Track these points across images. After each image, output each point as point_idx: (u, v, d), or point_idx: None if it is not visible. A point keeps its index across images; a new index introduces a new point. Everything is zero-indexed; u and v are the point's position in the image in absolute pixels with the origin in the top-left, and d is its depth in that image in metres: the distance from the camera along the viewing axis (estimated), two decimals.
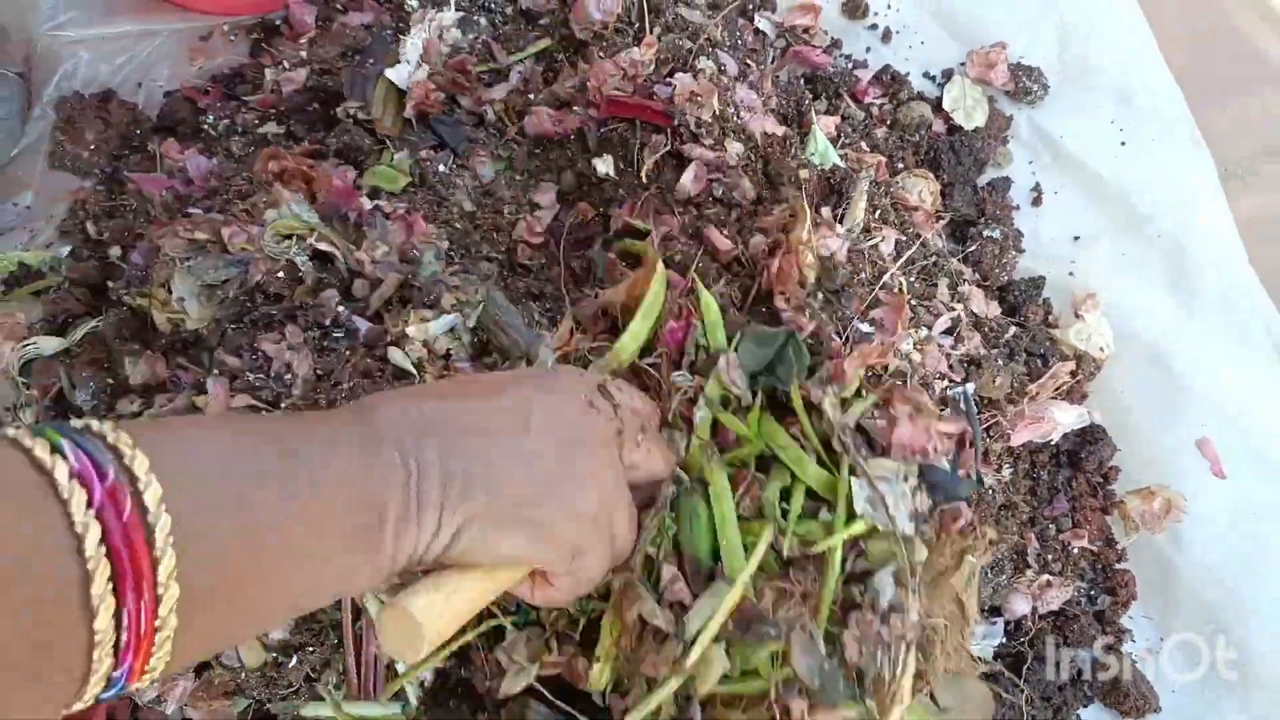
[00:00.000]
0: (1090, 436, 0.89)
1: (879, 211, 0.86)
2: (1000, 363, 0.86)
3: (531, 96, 0.93)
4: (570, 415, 0.52)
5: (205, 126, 0.99)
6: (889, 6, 1.09)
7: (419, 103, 0.91)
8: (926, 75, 1.07)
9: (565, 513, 0.49)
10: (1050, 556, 0.85)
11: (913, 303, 0.82)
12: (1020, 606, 0.81)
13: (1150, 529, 0.85)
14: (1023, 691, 0.80)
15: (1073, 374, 0.89)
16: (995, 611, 0.82)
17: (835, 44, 1.08)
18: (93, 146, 1.01)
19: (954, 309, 0.84)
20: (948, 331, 0.83)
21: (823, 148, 0.89)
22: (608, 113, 0.86)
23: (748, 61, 0.98)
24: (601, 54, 0.90)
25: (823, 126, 0.92)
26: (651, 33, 0.93)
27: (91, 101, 1.03)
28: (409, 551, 0.44)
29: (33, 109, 1.04)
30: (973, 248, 0.94)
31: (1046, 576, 0.83)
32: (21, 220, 0.98)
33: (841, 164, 0.86)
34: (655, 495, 0.58)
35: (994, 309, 0.91)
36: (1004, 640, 0.81)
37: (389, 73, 0.92)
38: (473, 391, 0.52)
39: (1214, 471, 0.86)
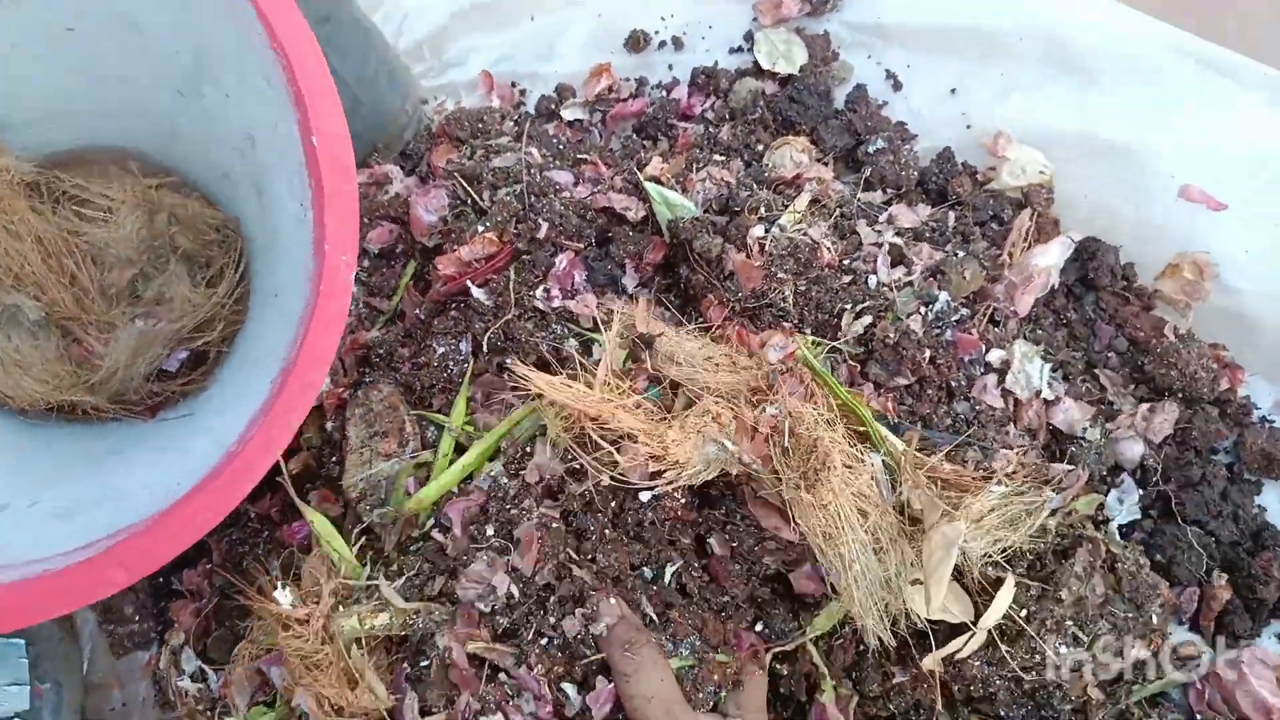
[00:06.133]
0: (1087, 253, 0.86)
1: (763, 207, 0.84)
2: (959, 254, 0.83)
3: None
4: None
5: None
6: (663, 20, 1.09)
7: None
8: (732, 50, 1.06)
9: None
10: (1132, 386, 0.81)
11: (845, 263, 0.80)
12: (1134, 450, 0.77)
13: (1198, 298, 0.81)
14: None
15: (1031, 216, 0.86)
16: (1115, 470, 0.78)
17: (641, 83, 1.08)
18: None
19: (881, 243, 0.81)
20: (894, 266, 0.81)
21: (660, 198, 0.85)
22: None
23: (578, 156, 0.99)
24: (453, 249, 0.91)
25: (654, 171, 0.90)
26: (483, 198, 0.94)
27: None
28: None
29: None
30: (869, 171, 0.92)
31: (1145, 405, 0.79)
32: None
33: (694, 209, 0.84)
34: None
35: (924, 211, 0.88)
36: (1141, 493, 0.76)
37: None
38: None
39: (1211, 207, 0.81)
